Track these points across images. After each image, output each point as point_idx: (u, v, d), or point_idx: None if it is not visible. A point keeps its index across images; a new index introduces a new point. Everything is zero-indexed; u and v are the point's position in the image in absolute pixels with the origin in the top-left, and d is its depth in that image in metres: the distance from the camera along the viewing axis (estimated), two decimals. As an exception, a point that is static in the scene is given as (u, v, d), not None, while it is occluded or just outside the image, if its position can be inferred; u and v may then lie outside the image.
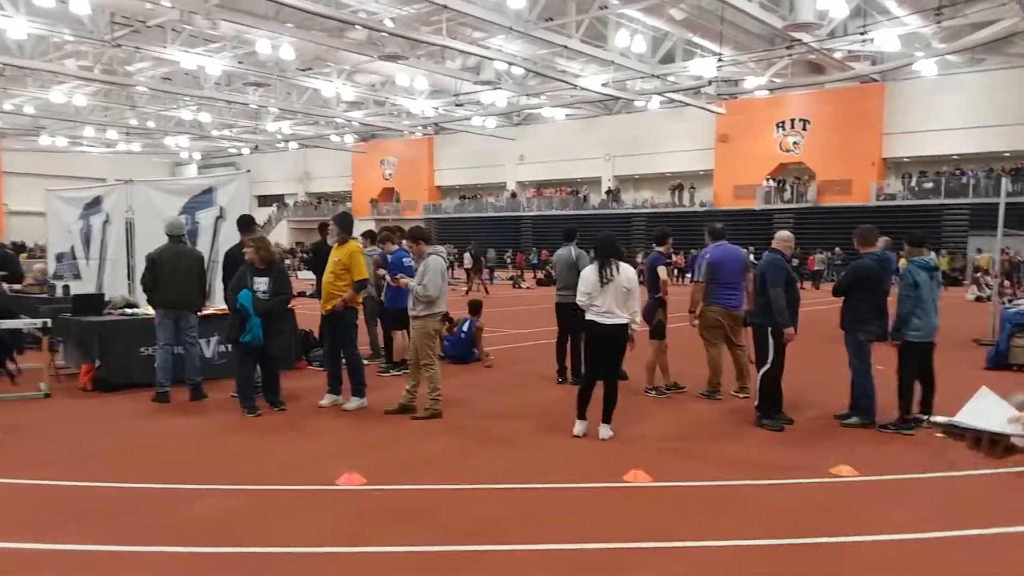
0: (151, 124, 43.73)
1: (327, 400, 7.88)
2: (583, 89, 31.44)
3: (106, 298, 9.72)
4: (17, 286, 12.07)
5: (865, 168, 35.79)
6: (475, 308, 11.12)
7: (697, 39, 27.24)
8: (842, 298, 7.17)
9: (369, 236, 11.10)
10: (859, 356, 7.01)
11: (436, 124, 43.24)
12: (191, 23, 24.03)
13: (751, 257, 9.57)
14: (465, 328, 10.88)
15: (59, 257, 12.59)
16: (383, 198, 54.17)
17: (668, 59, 30.09)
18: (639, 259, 26.87)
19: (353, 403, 7.71)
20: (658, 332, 8.29)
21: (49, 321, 8.50)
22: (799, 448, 6.36)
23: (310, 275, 16.20)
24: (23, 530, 4.39)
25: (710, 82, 30.05)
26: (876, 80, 34.46)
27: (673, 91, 32.02)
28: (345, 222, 8.09)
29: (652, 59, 29.64)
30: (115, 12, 24.04)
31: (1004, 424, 1.69)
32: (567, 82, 30.41)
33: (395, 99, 36.44)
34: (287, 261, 26.44)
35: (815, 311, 15.57)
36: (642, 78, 31.66)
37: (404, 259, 9.34)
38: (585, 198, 45.80)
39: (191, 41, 26.96)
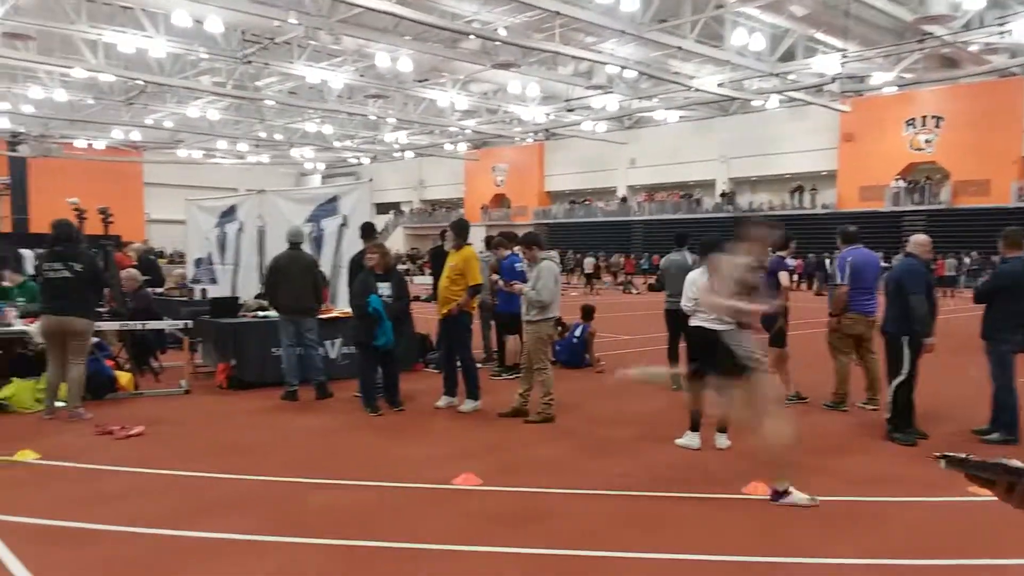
0: (278, 136, 46.09)
1: (443, 402, 8.07)
2: (698, 90, 30.84)
3: (240, 301, 10.32)
4: (159, 289, 13.00)
5: (1005, 167, 33.31)
6: (588, 313, 11.10)
7: (820, 35, 26.20)
8: (983, 305, 6.73)
9: (487, 242, 11.30)
10: (1001, 367, 6.55)
11: (547, 130, 43.48)
12: (316, 39, 25.18)
13: (881, 262, 9.10)
14: (577, 333, 10.88)
15: (197, 262, 13.49)
16: (494, 204, 54.93)
17: (788, 57, 29.06)
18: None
19: (468, 405, 7.86)
20: (778, 339, 8.02)
21: (190, 322, 9.13)
22: (934, 464, 5.99)
23: (426, 280, 16.68)
24: (165, 518, 4.72)
25: (833, 79, 28.84)
26: (1016, 74, 32.06)
27: (793, 89, 30.92)
28: (461, 228, 8.28)
29: (771, 57, 28.69)
30: (246, 30, 25.51)
31: None
32: (681, 84, 29.91)
33: (507, 106, 36.91)
34: (404, 266, 27.21)
35: (949, 319, 14.63)
36: (760, 77, 30.73)
37: (516, 264, 9.43)
38: (698, 201, 44.85)
39: (315, 56, 28.26)
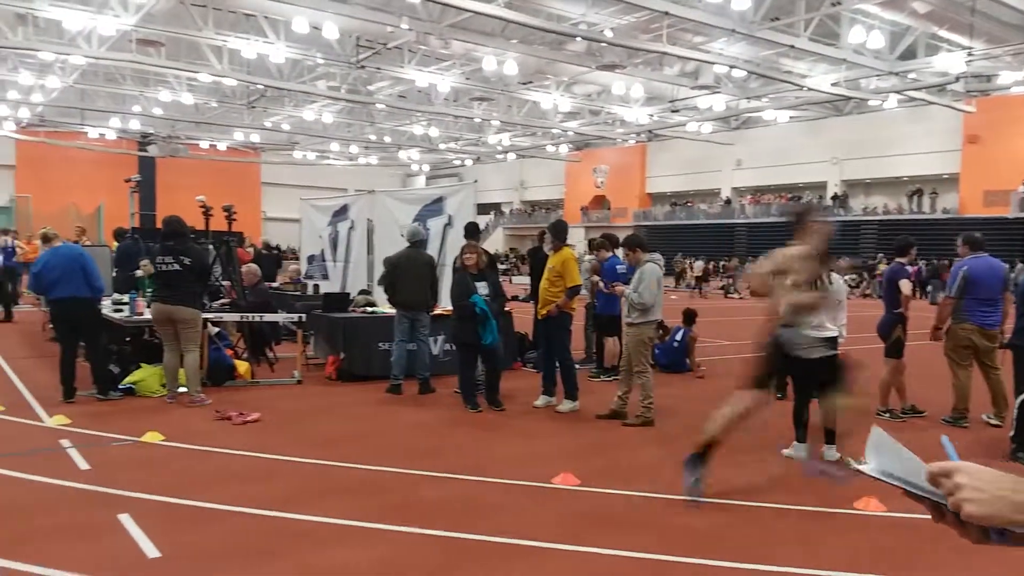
0: (387, 139, 47.42)
1: (541, 401, 8.14)
2: (810, 90, 29.72)
3: (349, 296, 10.71)
4: (274, 284, 13.64)
5: None
6: (689, 317, 10.92)
7: (943, 32, 24.78)
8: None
9: (589, 244, 11.32)
10: None
11: (650, 131, 42.91)
12: (426, 44, 25.79)
13: (1010, 272, 8.57)
14: (678, 337, 10.73)
15: (310, 259, 14.09)
16: (594, 206, 54.68)
17: (908, 55, 27.62)
18: (880, 269, 24.96)
19: (566, 406, 7.90)
20: (895, 350, 7.66)
21: (304, 316, 9.56)
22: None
23: (524, 280, 16.79)
24: (277, 501, 4.96)
25: (957, 78, 27.18)
26: None
27: (914, 89, 29.37)
28: (559, 230, 8.33)
29: (890, 56, 27.34)
30: (360, 36, 26.40)
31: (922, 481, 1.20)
32: (793, 83, 28.92)
33: (610, 108, 36.69)
34: (503, 266, 27.51)
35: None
36: (878, 76, 29.33)
37: (617, 266, 9.41)
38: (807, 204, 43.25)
39: (425, 60, 28.95)
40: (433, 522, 4.63)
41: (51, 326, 10.23)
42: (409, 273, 8.68)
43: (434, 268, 8.91)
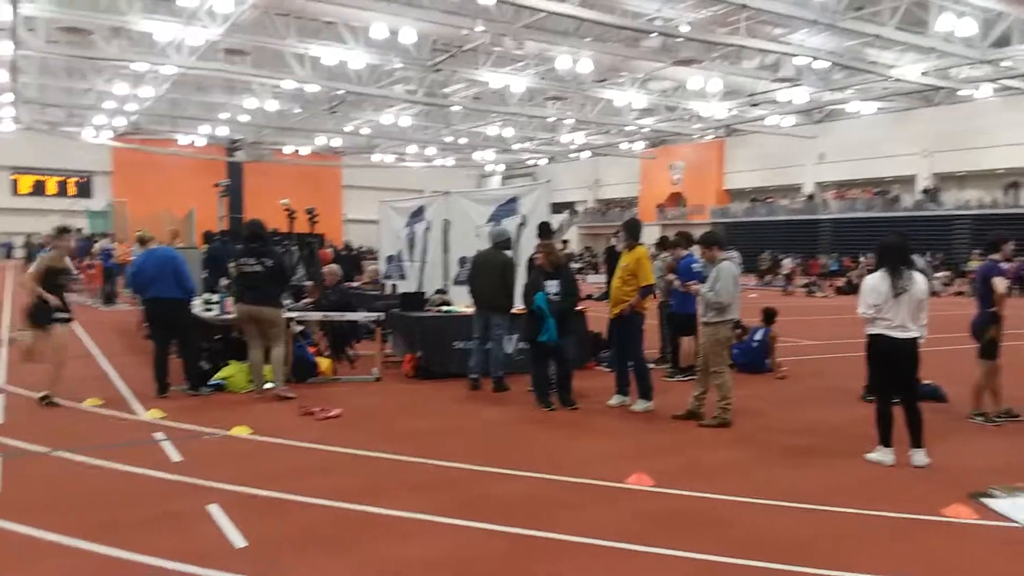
0: (462, 140, 47.97)
1: (615, 400, 8.10)
2: (898, 80, 28.59)
3: (426, 296, 10.90)
4: (353, 284, 13.97)
5: None
6: (769, 316, 10.67)
7: (1041, 17, 23.44)
8: None
9: (661, 242, 11.19)
10: None
11: (728, 126, 42.04)
12: (500, 45, 25.98)
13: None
14: (758, 337, 10.50)
15: (389, 259, 14.39)
16: (670, 203, 53.92)
17: (1003, 42, 26.21)
18: (972, 265, 23.83)
19: (640, 405, 7.84)
20: (989, 351, 7.31)
21: (383, 315, 9.78)
22: None
23: (600, 279, 16.70)
24: (356, 494, 5.10)
25: (1057, 65, 25.68)
26: None
27: (1009, 77, 27.89)
28: (632, 228, 8.28)
29: (982, 43, 26.03)
30: (436, 39, 26.80)
31: None
32: (879, 73, 27.88)
33: (687, 103, 36.13)
34: (578, 265, 27.45)
35: None
36: (970, 64, 27.95)
37: (693, 264, 9.27)
38: (895, 199, 41.54)
39: (499, 61, 29.15)
40: (505, 518, 4.68)
41: (146, 324, 10.78)
42: (484, 273, 8.80)
43: (508, 269, 8.93)
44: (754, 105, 34.98)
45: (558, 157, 55.89)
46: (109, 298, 19.48)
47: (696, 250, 8.91)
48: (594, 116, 38.07)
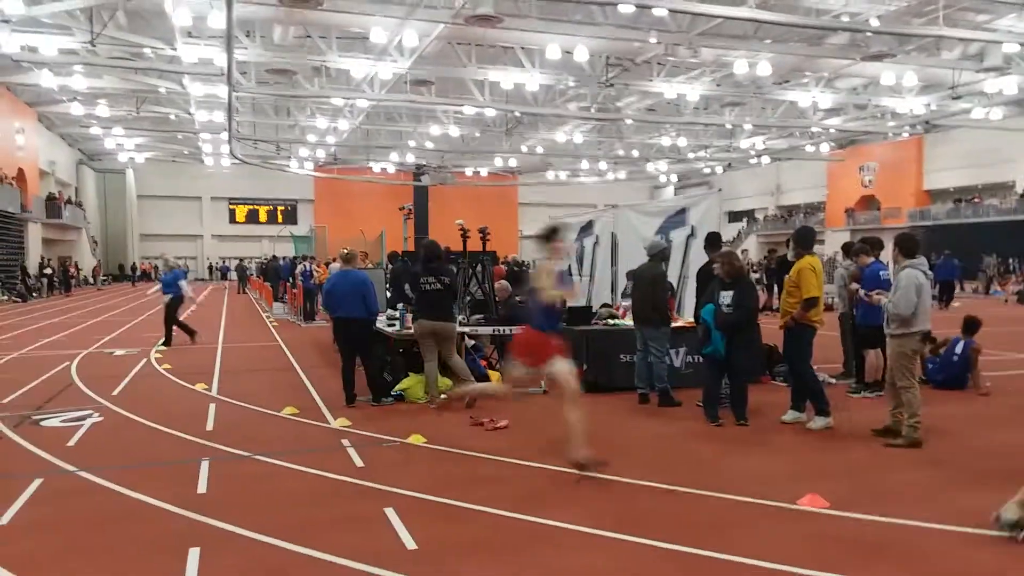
0: (635, 153, 47.74)
1: (789, 416, 7.73)
2: None
3: (593, 310, 10.98)
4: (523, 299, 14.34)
5: None
6: (970, 327, 9.73)
7: None
8: None
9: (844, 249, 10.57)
10: None
11: (926, 122, 38.69)
12: (674, 55, 25.67)
13: None
14: (958, 350, 9.60)
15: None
16: (860, 207, 50.42)
17: None
18: None
19: (818, 423, 7.43)
20: None
21: (549, 329, 9.96)
22: None
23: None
24: (522, 503, 5.25)
25: None
26: None
27: None
28: (801, 237, 7.93)
29: None
30: (609, 55, 26.96)
31: None
32: (1108, 55, 24.63)
33: (879, 100, 33.72)
34: (756, 275, 26.37)
35: None
36: None
37: (881, 272, 8.69)
38: None
39: (673, 71, 28.82)
40: (670, 535, 4.62)
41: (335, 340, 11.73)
42: (638, 287, 8.80)
43: (659, 282, 8.79)
44: (956, 98, 31.95)
45: (736, 164, 54.11)
46: (308, 315, 21.27)
47: (887, 255, 8.31)
48: (775, 119, 36.53)
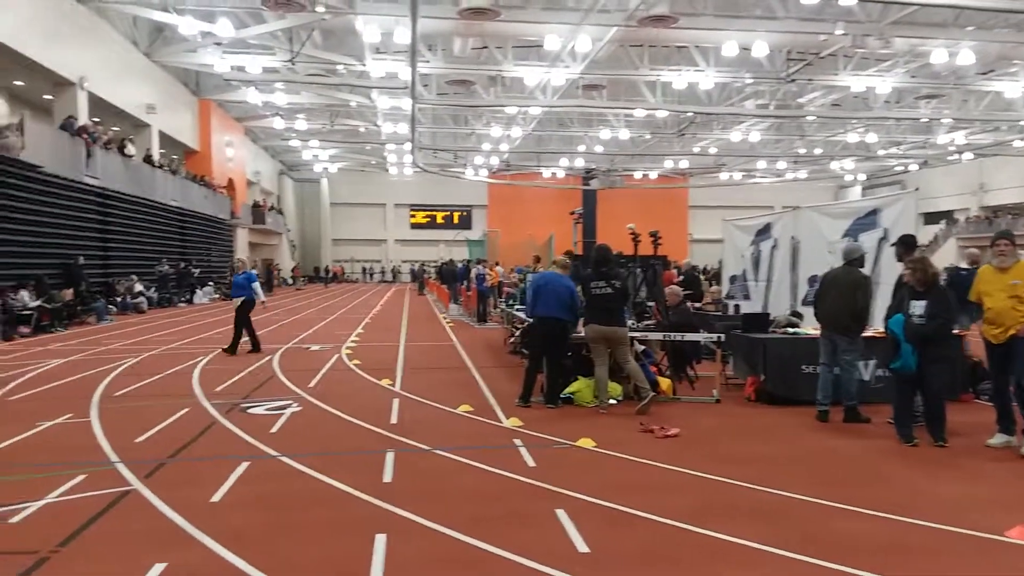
0: (817, 151, 45.23)
1: (997, 440, 7.03)
2: None
3: (771, 317, 10.55)
4: (697, 304, 14.01)
5: None
6: None
7: None
8: None
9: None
10: None
11: None
12: (863, 46, 24.14)
13: None
14: None
15: (732, 279, 14.18)
16: (1085, 207, 44.74)
17: None
18: None
19: (1033, 449, 6.71)
20: None
21: (723, 336, 9.70)
22: None
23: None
24: (688, 514, 5.15)
25: None
26: None
27: None
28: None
29: None
30: (791, 49, 25.78)
31: None
32: None
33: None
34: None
35: None
36: None
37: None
38: None
39: (861, 64, 27.10)
40: (852, 559, 4.37)
41: (517, 340, 12.00)
42: (833, 292, 8.26)
43: (863, 288, 8.24)
44: None
45: (932, 161, 49.90)
46: (482, 317, 21.99)
47: None
48: (979, 112, 33.34)
